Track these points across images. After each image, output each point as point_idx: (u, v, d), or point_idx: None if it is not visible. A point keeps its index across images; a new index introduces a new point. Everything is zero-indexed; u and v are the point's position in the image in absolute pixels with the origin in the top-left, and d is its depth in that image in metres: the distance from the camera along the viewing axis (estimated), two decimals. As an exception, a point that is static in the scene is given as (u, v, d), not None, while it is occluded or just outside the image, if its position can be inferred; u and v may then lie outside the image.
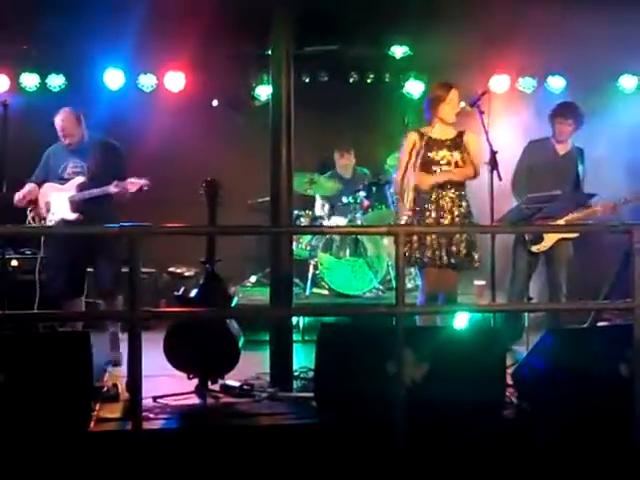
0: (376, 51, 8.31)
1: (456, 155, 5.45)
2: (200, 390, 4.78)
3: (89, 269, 5.89)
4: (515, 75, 8.39)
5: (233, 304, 5.23)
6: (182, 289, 5.34)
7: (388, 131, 7.80)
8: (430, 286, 5.44)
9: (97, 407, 4.36)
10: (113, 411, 4.35)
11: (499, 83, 8.31)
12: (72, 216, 5.63)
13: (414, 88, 8.47)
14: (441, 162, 5.44)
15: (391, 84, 8.57)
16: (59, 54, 7.74)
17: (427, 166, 5.42)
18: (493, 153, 5.39)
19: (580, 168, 6.24)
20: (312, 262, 7.59)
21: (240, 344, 4.92)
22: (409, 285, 7.24)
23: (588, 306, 5.80)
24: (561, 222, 5.96)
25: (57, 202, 5.68)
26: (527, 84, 8.46)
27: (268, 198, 5.36)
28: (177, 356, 4.85)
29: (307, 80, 8.29)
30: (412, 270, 6.59)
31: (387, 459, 3.72)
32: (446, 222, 5.39)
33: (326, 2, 6.90)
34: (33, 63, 7.94)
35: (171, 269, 7.91)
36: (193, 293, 5.05)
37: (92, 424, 4.12)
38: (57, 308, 5.58)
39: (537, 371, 4.41)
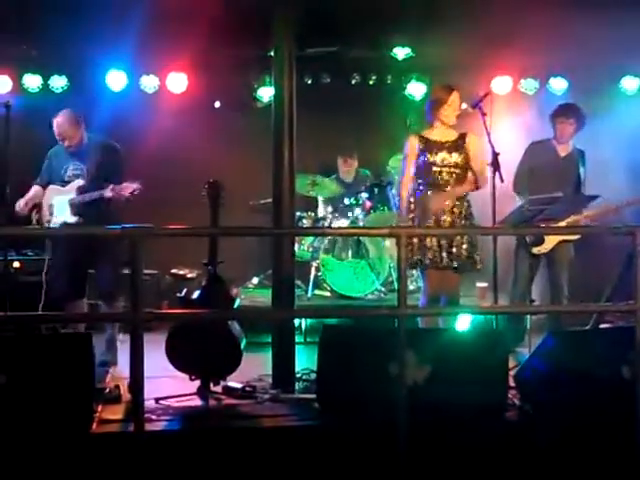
0: (378, 53, 8.31)
1: (455, 157, 5.44)
2: (202, 392, 4.78)
3: (90, 271, 5.89)
4: (517, 76, 8.39)
5: (235, 306, 5.24)
6: (184, 291, 5.34)
7: (390, 133, 7.79)
8: (432, 288, 5.44)
9: (99, 409, 4.37)
10: (115, 413, 4.36)
11: (501, 85, 8.30)
12: (73, 219, 5.63)
13: (416, 90, 8.47)
14: (439, 164, 5.43)
15: (393, 86, 8.56)
16: (61, 55, 7.74)
17: (429, 171, 5.42)
18: (495, 155, 5.39)
19: (581, 170, 6.24)
20: (314, 264, 7.58)
21: (242, 346, 4.92)
22: (411, 287, 7.24)
23: (590, 308, 5.79)
24: (562, 224, 5.95)
25: (59, 205, 5.68)
26: (529, 85, 8.45)
27: (270, 199, 5.37)
28: (179, 357, 4.85)
29: (309, 82, 8.28)
30: (414, 272, 6.59)
31: (389, 461, 3.72)
32: (446, 224, 5.39)
33: (327, 3, 6.89)
34: (35, 64, 7.94)
35: (173, 271, 7.91)
36: (195, 295, 5.05)
37: (94, 426, 4.13)
38: (59, 310, 5.59)
39: (539, 373, 4.41)
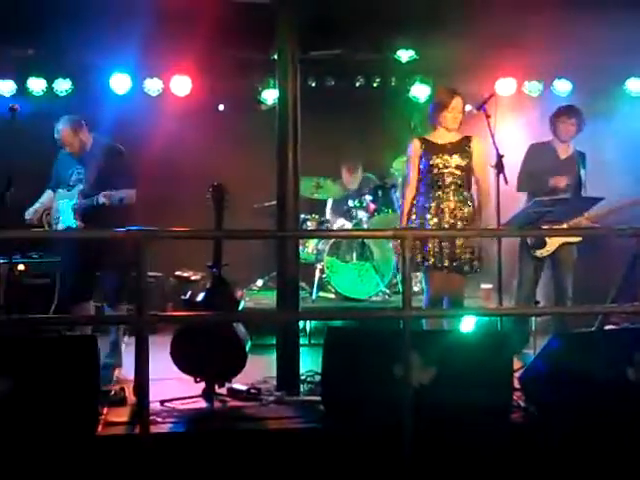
0: (382, 55, 8.31)
1: (456, 158, 5.43)
2: (207, 394, 4.78)
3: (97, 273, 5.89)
4: (521, 78, 8.38)
5: (240, 308, 5.24)
6: (189, 293, 5.33)
7: (394, 135, 7.79)
8: (434, 289, 5.43)
9: (105, 411, 4.38)
10: (120, 415, 4.36)
11: (505, 86, 8.29)
12: (76, 224, 5.64)
13: (420, 92, 8.47)
14: (441, 167, 5.43)
15: (397, 88, 8.56)
16: (65, 59, 7.75)
17: (431, 174, 5.42)
18: (499, 156, 5.39)
19: (582, 172, 6.22)
20: (318, 266, 7.59)
21: (247, 348, 4.92)
22: (415, 289, 7.23)
23: (595, 310, 5.78)
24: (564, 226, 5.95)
25: (64, 209, 5.70)
26: (533, 88, 8.44)
27: (274, 202, 5.37)
28: (184, 360, 4.85)
29: (313, 84, 8.29)
30: (419, 274, 6.59)
31: (394, 463, 3.72)
32: (447, 226, 5.38)
33: (331, 6, 6.90)
34: (40, 68, 7.94)
35: (178, 273, 7.92)
36: (200, 297, 5.05)
37: (100, 428, 4.13)
38: (67, 312, 5.59)
39: (544, 375, 4.40)
